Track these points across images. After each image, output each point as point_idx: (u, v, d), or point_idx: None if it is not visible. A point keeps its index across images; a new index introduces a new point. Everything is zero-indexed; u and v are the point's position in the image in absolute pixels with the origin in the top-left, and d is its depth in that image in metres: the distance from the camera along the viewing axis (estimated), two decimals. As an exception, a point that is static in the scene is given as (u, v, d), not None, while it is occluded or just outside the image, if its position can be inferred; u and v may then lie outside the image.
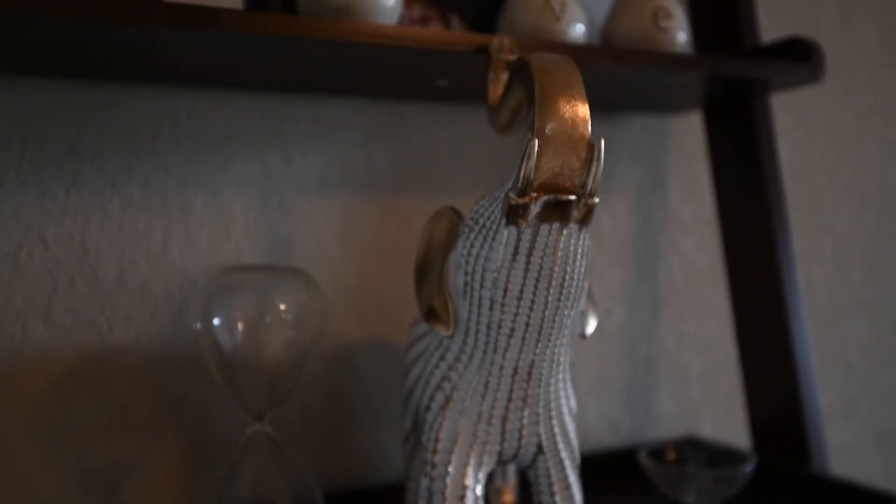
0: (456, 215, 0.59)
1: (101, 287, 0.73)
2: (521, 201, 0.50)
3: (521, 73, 0.52)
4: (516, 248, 0.51)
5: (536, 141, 0.48)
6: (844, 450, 1.17)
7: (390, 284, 0.84)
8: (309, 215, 0.81)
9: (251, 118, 0.78)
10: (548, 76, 0.50)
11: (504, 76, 0.61)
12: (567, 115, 0.50)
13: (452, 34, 0.62)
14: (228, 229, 0.77)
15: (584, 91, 0.50)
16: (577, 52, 0.68)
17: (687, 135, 1.02)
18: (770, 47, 0.83)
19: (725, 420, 1.06)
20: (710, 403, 1.06)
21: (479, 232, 0.53)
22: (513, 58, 0.61)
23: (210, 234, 0.77)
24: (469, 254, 0.54)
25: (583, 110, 0.50)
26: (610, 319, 0.99)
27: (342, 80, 0.74)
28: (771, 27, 1.07)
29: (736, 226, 0.93)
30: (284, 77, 0.72)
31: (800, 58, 0.79)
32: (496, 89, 0.61)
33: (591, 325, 0.60)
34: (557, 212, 0.50)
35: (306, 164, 0.80)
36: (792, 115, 1.11)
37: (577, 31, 0.73)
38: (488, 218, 0.53)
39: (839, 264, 1.16)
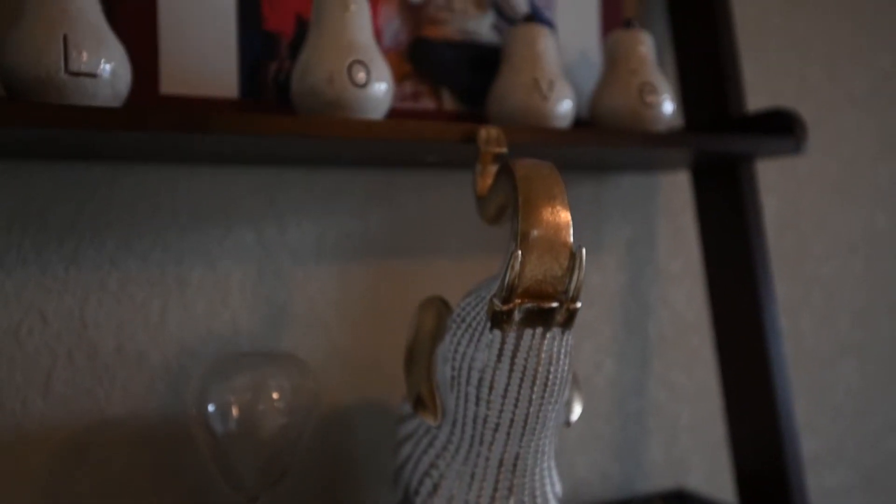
0: (443, 305, 0.60)
1: (99, 359, 0.74)
2: (505, 308, 0.51)
3: (505, 178, 0.54)
4: (501, 350, 0.53)
5: (520, 252, 0.50)
6: (832, 493, 1.18)
7: (385, 345, 0.86)
8: (304, 282, 0.83)
9: (248, 190, 0.79)
10: (531, 186, 0.52)
11: (491, 169, 0.63)
12: (549, 224, 0.51)
13: (441, 126, 0.64)
14: (225, 299, 0.79)
15: (566, 200, 0.52)
16: (564, 138, 0.69)
17: (675, 191, 1.04)
18: (755, 117, 0.85)
19: (714, 471, 1.08)
20: (700, 454, 1.08)
21: (466, 331, 0.55)
22: (500, 150, 0.63)
23: (207, 304, 0.78)
24: (456, 350, 0.56)
25: (565, 220, 0.52)
26: (600, 373, 1.01)
27: (336, 155, 0.76)
28: (757, 77, 1.09)
29: (721, 280, 0.95)
30: (280, 153, 0.74)
31: (783, 131, 0.81)
32: (484, 181, 0.63)
33: (576, 413, 0.62)
34: (541, 318, 0.52)
35: (301, 233, 0.82)
36: (779, 167, 1.13)
37: (565, 108, 0.75)
38: (474, 318, 0.55)
39: (827, 312, 1.18)
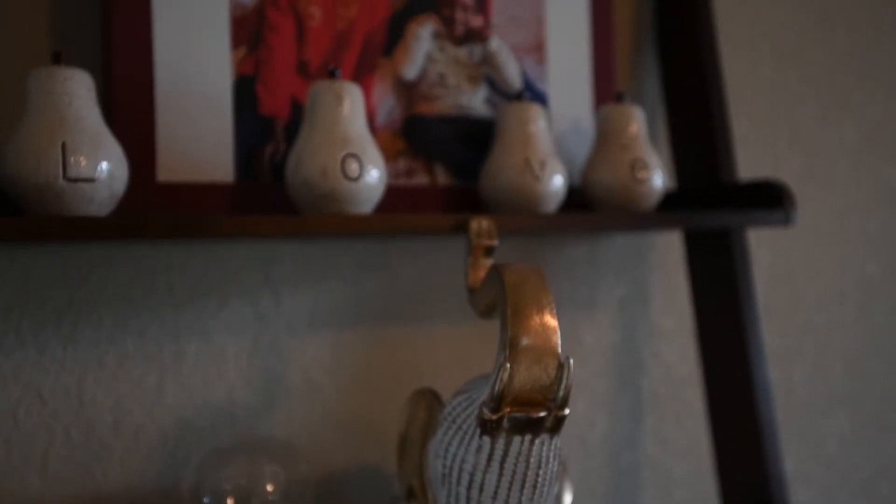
0: (434, 398, 0.61)
1: (96, 436, 0.75)
2: (494, 417, 0.52)
3: (495, 283, 0.55)
4: (490, 455, 0.54)
5: (508, 365, 0.51)
6: (825, 542, 1.19)
7: (379, 410, 0.87)
8: (299, 351, 0.84)
9: (243, 264, 0.80)
10: (520, 294, 0.53)
11: (483, 261, 0.64)
12: (538, 334, 0.52)
13: (433, 217, 0.65)
14: (221, 371, 0.80)
15: (554, 309, 0.53)
16: (557, 222, 0.71)
17: (669, 249, 1.05)
18: (745, 187, 0.86)
19: (706, 524, 1.09)
20: (692, 507, 1.09)
21: (456, 432, 0.56)
22: (491, 243, 0.64)
23: (203, 377, 0.79)
24: (447, 450, 0.57)
25: (553, 330, 0.53)
26: (593, 431, 1.02)
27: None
28: (749, 129, 1.10)
29: (712, 337, 0.96)
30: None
31: (772, 204, 0.82)
32: (475, 274, 0.64)
33: (567, 501, 0.63)
34: (529, 426, 0.53)
35: (296, 303, 0.83)
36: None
37: (557, 186, 0.76)
38: (464, 420, 0.56)
39: (819, 361, 1.19)
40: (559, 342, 0.53)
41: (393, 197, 0.76)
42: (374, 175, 0.66)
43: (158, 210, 0.68)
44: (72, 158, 0.55)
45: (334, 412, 0.85)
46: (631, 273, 1.03)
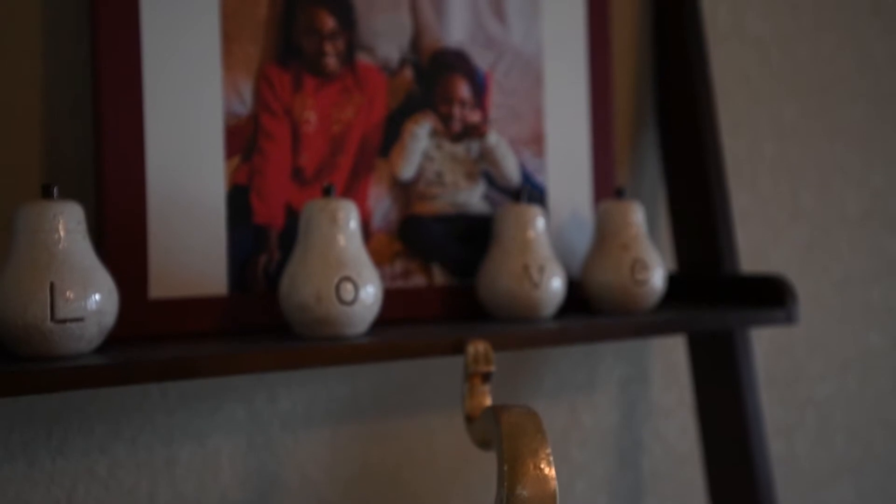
0: None
1: (87, 546, 0.74)
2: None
3: (490, 426, 0.54)
4: None
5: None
6: None
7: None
8: (295, 450, 0.82)
9: (237, 365, 0.79)
10: (516, 444, 0.52)
11: (480, 388, 0.63)
12: (535, 485, 0.51)
13: (429, 342, 0.64)
14: (215, 475, 0.79)
15: (550, 457, 0.52)
16: (556, 336, 0.70)
17: (668, 328, 1.04)
18: (746, 280, 0.85)
19: None
20: (693, 588, 1.07)
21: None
22: (488, 369, 0.63)
23: (197, 481, 0.78)
24: None
25: (550, 479, 0.52)
26: (593, 514, 1.00)
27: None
28: (751, 205, 1.09)
29: (712, 412, 0.95)
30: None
31: (774, 302, 0.81)
32: (473, 401, 0.63)
33: None
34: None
35: (292, 402, 0.82)
36: (773, 293, 1.12)
37: (556, 290, 0.75)
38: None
39: (822, 432, 1.18)
40: (557, 492, 0.52)
41: (389, 300, 0.75)
42: (370, 294, 0.65)
43: (150, 327, 0.67)
44: (60, 300, 0.54)
45: (330, 510, 0.84)
46: (630, 353, 1.02)
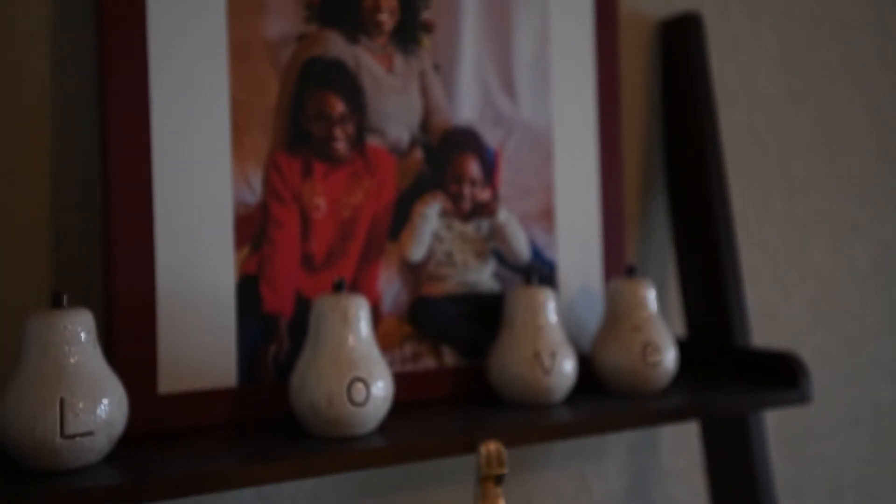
0: None
1: None
2: None
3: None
4: None
5: None
6: None
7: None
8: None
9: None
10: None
11: (493, 490, 0.62)
12: None
13: (441, 443, 0.64)
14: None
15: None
16: (571, 430, 0.69)
17: (678, 392, 1.03)
18: (758, 353, 0.84)
19: None
20: None
21: None
22: (501, 472, 0.62)
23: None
24: None
25: None
26: (602, 582, 0.99)
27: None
28: (761, 263, 1.08)
29: (722, 474, 0.95)
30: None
31: (787, 381, 0.81)
32: (485, 504, 0.62)
33: None
34: None
35: (296, 487, 0.81)
36: (786, 343, 1.12)
37: (567, 372, 0.75)
38: None
39: (832, 491, 1.17)
40: None
41: (399, 384, 0.74)
42: (381, 392, 0.64)
43: (160, 422, 0.66)
44: (70, 415, 0.54)
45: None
46: (640, 418, 1.01)
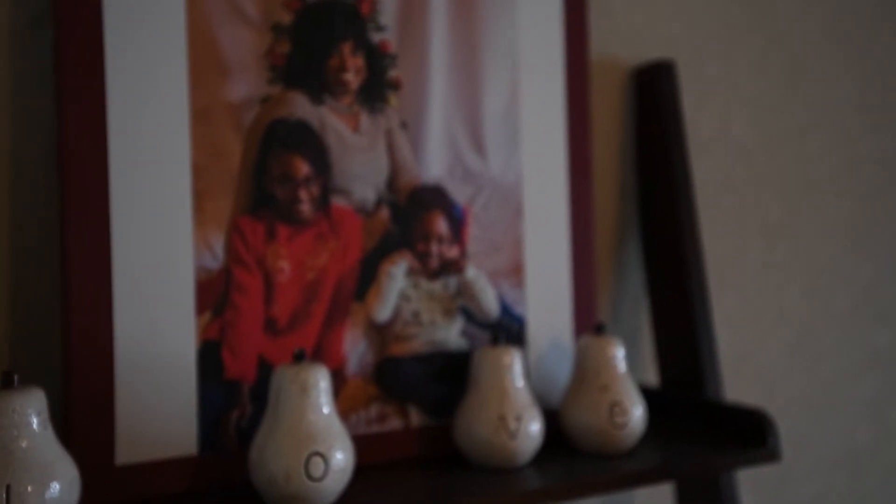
0: None
1: None
2: None
3: None
4: None
5: None
6: None
7: None
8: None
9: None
10: None
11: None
12: None
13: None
14: None
15: None
16: (539, 497, 0.68)
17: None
18: (727, 409, 0.84)
19: None
20: None
21: None
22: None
23: None
24: None
25: None
26: None
27: None
28: (736, 308, 1.08)
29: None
30: None
31: (757, 441, 0.80)
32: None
33: None
34: None
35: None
36: (758, 389, 1.11)
37: (533, 435, 0.74)
38: None
39: (809, 534, 1.17)
40: None
41: (364, 446, 0.73)
42: (340, 464, 0.64)
43: (118, 494, 0.65)
44: (16, 501, 0.53)
45: None
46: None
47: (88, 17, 0.65)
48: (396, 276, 0.78)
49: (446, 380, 0.80)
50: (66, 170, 0.65)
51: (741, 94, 1.10)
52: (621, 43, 1.00)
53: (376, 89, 0.77)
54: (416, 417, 0.78)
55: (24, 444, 0.55)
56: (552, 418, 0.81)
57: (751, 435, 0.81)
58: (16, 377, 0.56)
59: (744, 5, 1.10)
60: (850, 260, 1.20)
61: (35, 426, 0.55)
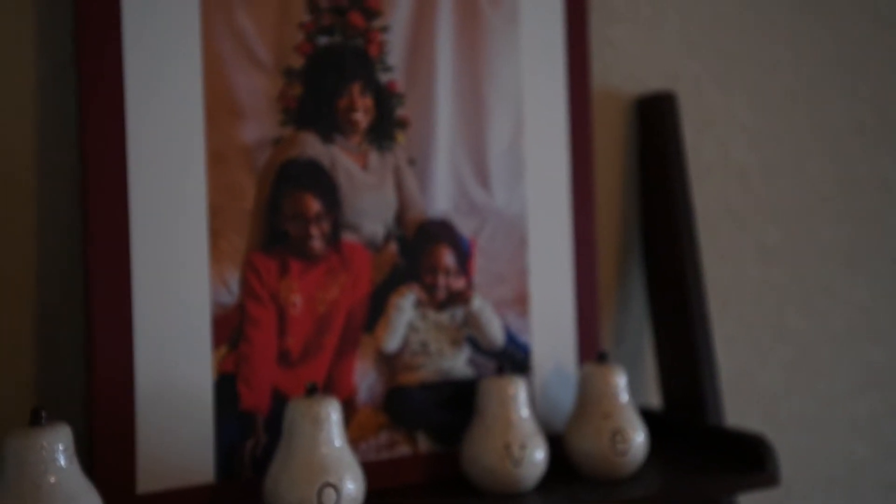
0: None
1: None
2: None
3: None
4: None
5: None
6: None
7: None
8: None
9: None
10: None
11: None
12: None
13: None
14: None
15: None
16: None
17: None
18: (727, 434, 0.86)
19: None
20: None
21: None
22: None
23: None
24: None
25: None
26: None
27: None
28: (735, 330, 1.10)
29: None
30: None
31: (757, 466, 0.83)
32: None
33: None
34: None
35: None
36: (762, 406, 1.14)
37: (537, 462, 0.77)
38: None
39: (809, 550, 1.19)
40: None
41: (373, 472, 0.76)
42: (351, 494, 0.66)
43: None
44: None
45: None
46: None
47: (110, 66, 0.68)
48: (405, 308, 0.80)
49: (453, 407, 0.82)
50: (89, 212, 0.68)
51: (740, 121, 1.12)
52: (623, 74, 1.03)
53: (384, 128, 0.80)
54: (423, 444, 0.81)
55: (51, 479, 0.57)
56: (557, 443, 0.84)
57: (751, 459, 0.84)
58: (43, 414, 0.59)
59: (741, 35, 1.12)
60: (847, 281, 1.23)
61: (62, 461, 0.58)
